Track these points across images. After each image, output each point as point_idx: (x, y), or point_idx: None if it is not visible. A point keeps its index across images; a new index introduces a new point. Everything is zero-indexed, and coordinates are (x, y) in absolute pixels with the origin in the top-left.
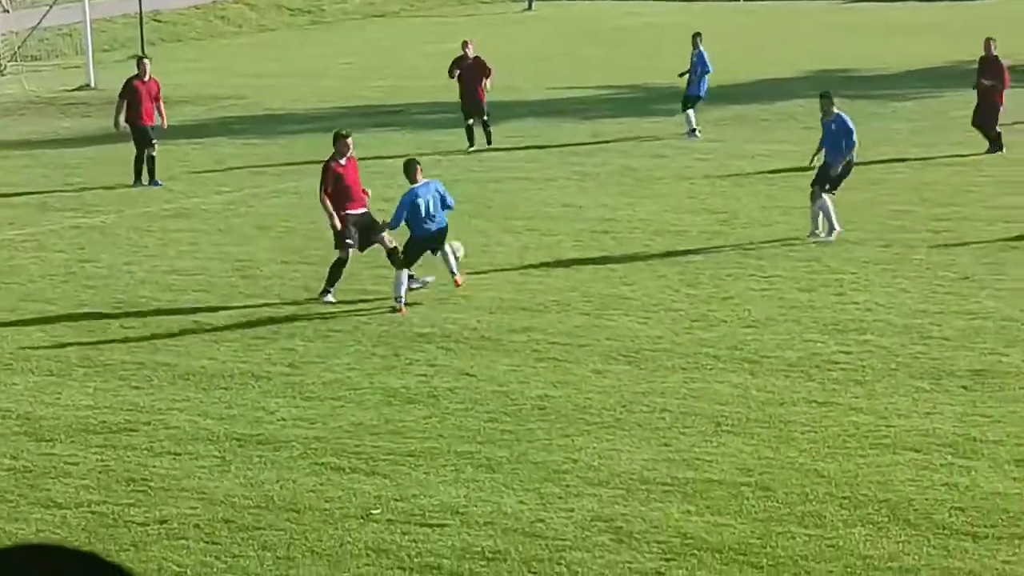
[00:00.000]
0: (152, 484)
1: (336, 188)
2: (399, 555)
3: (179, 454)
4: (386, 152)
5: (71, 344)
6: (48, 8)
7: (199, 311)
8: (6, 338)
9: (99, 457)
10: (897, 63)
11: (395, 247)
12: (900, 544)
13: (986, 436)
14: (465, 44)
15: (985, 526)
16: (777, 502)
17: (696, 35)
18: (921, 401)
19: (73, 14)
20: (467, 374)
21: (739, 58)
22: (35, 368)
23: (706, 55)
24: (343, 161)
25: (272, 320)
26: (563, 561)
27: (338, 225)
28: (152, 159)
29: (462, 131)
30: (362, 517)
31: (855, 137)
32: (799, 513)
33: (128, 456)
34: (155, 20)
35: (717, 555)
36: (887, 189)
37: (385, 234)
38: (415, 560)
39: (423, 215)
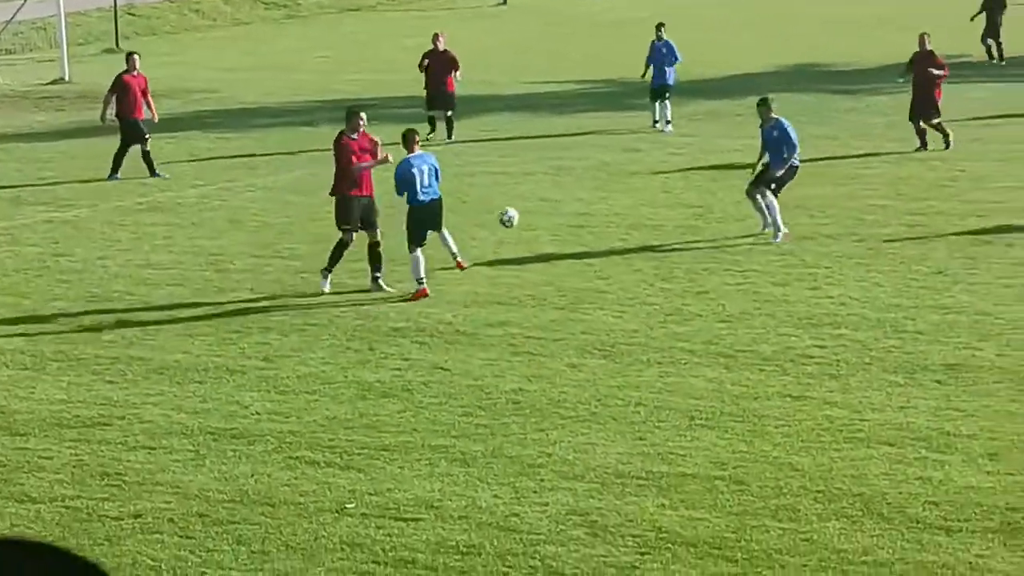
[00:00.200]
0: (126, 478)
1: (344, 163)
2: (373, 549)
3: (153, 448)
4: None
5: (45, 338)
6: (23, 2)
7: (173, 305)
8: None
9: (73, 451)
10: (873, 57)
11: (379, 242)
12: (874, 538)
13: (960, 430)
14: (436, 36)
15: (959, 520)
16: (751, 496)
17: (660, 25)
18: (895, 395)
19: (47, 8)
20: (442, 368)
21: (714, 52)
22: (9, 362)
23: (674, 45)
24: (355, 136)
25: (246, 314)
26: (538, 555)
27: (389, 158)
28: (147, 153)
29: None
30: (336, 511)
31: (796, 142)
32: (773, 507)
33: (102, 450)
34: (129, 14)
35: (692, 549)
36: (862, 184)
37: (377, 229)
38: (389, 554)
39: (419, 184)
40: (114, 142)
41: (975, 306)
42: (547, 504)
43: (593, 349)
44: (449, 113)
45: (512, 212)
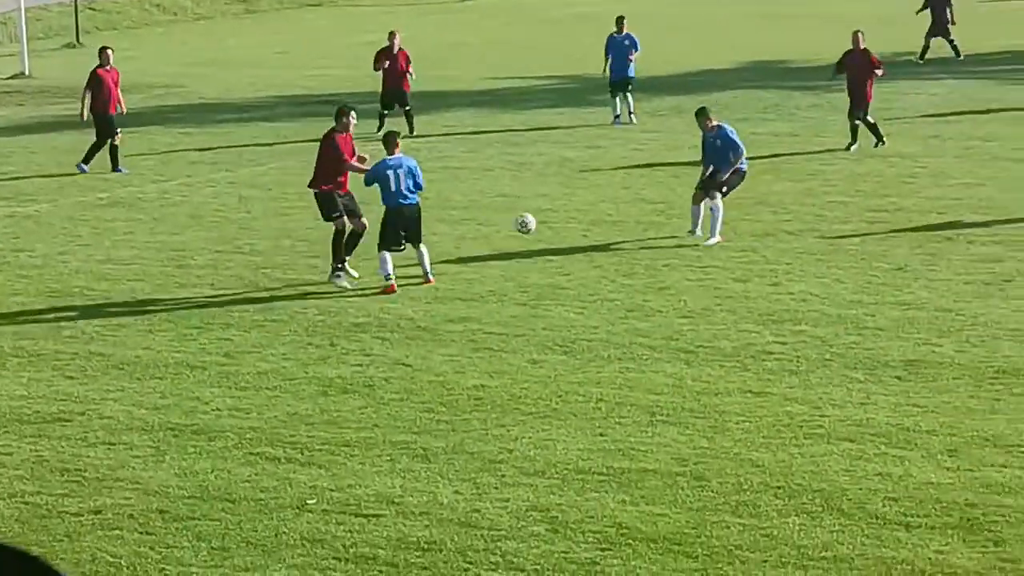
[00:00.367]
0: (86, 474)
1: (332, 160)
2: (334, 545)
3: (113, 444)
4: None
5: (4, 334)
6: None
7: (134, 301)
8: None
9: (33, 447)
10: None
11: (363, 233)
12: (834, 534)
13: (919, 426)
14: (392, 35)
15: (918, 516)
16: (712, 492)
17: (620, 19)
18: (855, 391)
19: (7, 2)
20: (403, 364)
21: (677, 49)
22: None
23: (636, 39)
24: (345, 134)
25: (207, 309)
26: (498, 551)
27: (367, 158)
28: (116, 148)
29: (399, 120)
30: (297, 507)
31: (741, 146)
32: (734, 503)
33: (62, 446)
34: (90, 8)
35: (652, 545)
36: (823, 180)
37: (362, 217)
38: (350, 550)
39: (392, 187)
40: (75, 137)
41: (935, 302)
42: (508, 500)
43: (554, 345)
44: (407, 108)
45: (530, 220)
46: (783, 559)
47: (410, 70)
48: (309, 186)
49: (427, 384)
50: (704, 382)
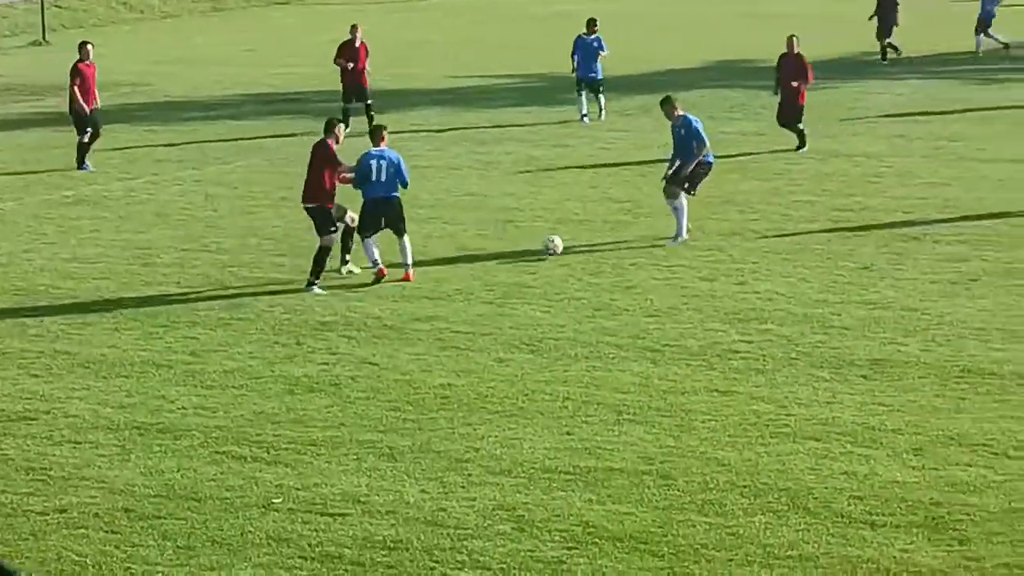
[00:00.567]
0: (51, 473)
1: (327, 166)
2: (300, 544)
3: (79, 443)
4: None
5: None
6: None
7: (99, 299)
8: None
9: None
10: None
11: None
12: (800, 532)
13: (885, 425)
14: (354, 28)
15: (884, 514)
16: (678, 490)
17: (592, 21)
18: (821, 390)
19: None
20: (369, 363)
21: (645, 49)
22: None
23: (603, 40)
24: (337, 144)
25: (173, 308)
26: (465, 550)
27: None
28: (86, 145)
29: (362, 119)
30: (263, 506)
31: (705, 137)
32: (700, 501)
33: (27, 445)
34: (56, 6)
35: (618, 543)
36: (789, 179)
37: (348, 213)
38: (316, 549)
39: (372, 177)
40: (40, 135)
41: (901, 302)
42: (474, 499)
43: (521, 344)
44: (368, 103)
45: (557, 241)
46: (749, 558)
47: (368, 68)
48: (306, 201)
49: (393, 383)
50: (670, 381)
